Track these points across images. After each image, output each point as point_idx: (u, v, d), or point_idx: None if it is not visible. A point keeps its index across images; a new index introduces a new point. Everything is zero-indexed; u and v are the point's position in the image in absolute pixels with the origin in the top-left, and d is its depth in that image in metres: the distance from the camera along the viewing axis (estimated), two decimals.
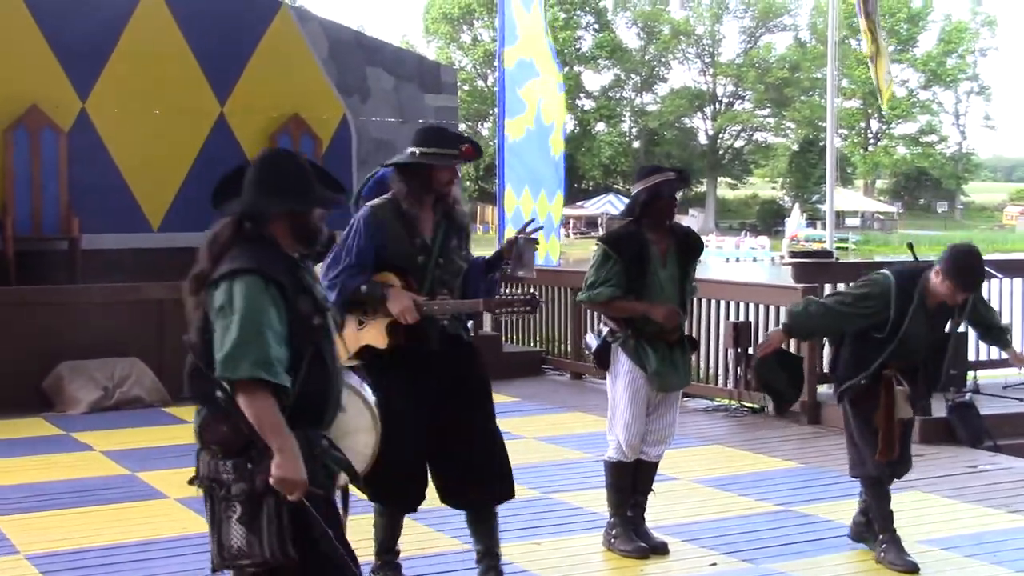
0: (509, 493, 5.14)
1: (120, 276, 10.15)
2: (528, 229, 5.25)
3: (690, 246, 5.94)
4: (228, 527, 3.59)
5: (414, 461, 5.00)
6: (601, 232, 65.94)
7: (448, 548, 5.72)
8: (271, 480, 3.50)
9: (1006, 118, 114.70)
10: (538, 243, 5.29)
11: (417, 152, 5.00)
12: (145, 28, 11.26)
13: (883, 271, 5.68)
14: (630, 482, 5.91)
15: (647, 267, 5.71)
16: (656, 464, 6.01)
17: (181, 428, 8.85)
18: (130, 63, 11.17)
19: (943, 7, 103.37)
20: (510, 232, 5.58)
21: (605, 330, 5.92)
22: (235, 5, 12.09)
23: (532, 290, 4.82)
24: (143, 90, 11.17)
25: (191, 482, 3.70)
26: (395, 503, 5.07)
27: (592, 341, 6.01)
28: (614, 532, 5.89)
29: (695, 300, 10.60)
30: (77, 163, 10.82)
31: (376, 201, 5.12)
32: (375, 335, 4.97)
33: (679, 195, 5.99)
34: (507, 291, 4.72)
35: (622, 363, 5.81)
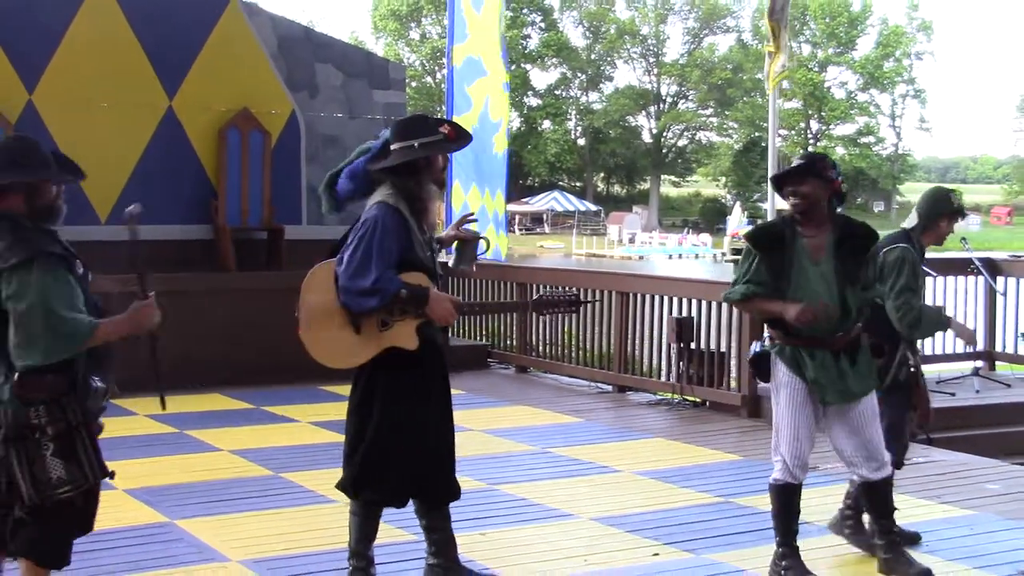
0: (459, 491, 5.14)
1: None
2: (467, 225, 5.28)
3: (851, 238, 5.26)
4: (43, 463, 4.10)
5: (444, 450, 5.01)
6: (546, 228, 66.12)
7: (397, 539, 5.71)
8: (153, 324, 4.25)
9: (940, 121, 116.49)
10: (481, 237, 5.19)
11: (416, 144, 4.84)
12: (93, 20, 11.14)
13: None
14: (798, 507, 5.31)
15: (793, 262, 5.19)
16: (880, 483, 5.32)
17: (130, 420, 8.80)
18: (78, 55, 11.05)
19: (881, 11, 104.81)
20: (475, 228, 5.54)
21: (766, 337, 5.43)
22: None
23: (574, 290, 4.70)
24: (91, 83, 11.06)
25: None
26: (391, 500, 4.99)
27: (756, 348, 5.51)
28: (784, 564, 5.25)
29: (639, 296, 10.71)
30: None
31: (390, 200, 4.87)
32: (406, 336, 4.81)
33: (800, 188, 5.21)
34: (548, 289, 4.60)
35: (781, 374, 5.27)
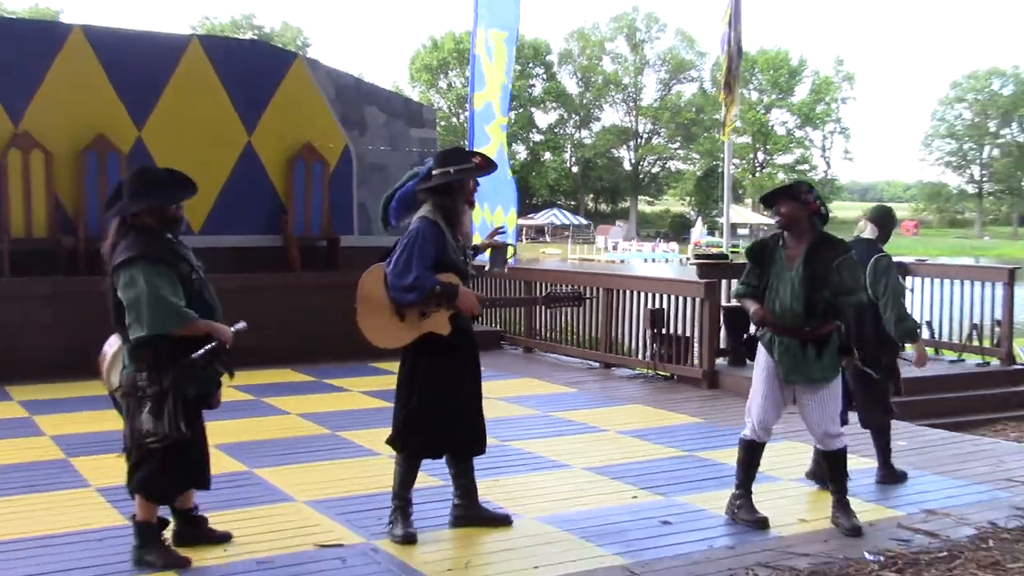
0: (483, 448, 5.16)
1: None
2: (498, 237, 5.30)
3: (819, 250, 5.06)
4: (140, 417, 4.27)
5: (451, 423, 4.97)
6: (547, 238, 65.95)
7: (430, 485, 5.72)
8: (221, 339, 4.36)
9: (861, 151, 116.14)
10: (509, 245, 5.21)
11: (452, 170, 4.84)
12: (189, 73, 11.18)
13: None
14: (757, 461, 5.31)
15: (772, 269, 5.14)
16: (833, 453, 5.19)
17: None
18: (177, 100, 11.08)
19: (814, 64, 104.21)
20: (476, 238, 5.53)
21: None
22: (260, 55, 12.06)
23: (578, 288, 4.80)
24: (187, 121, 11.08)
25: (112, 393, 4.42)
26: (428, 453, 4.99)
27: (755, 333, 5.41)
28: (738, 503, 5.27)
29: (622, 292, 10.71)
30: None
31: (430, 215, 4.86)
32: (440, 324, 4.81)
33: (786, 209, 5.11)
34: (555, 288, 4.65)
35: (760, 353, 5.26)
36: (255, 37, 66.58)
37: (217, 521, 4.97)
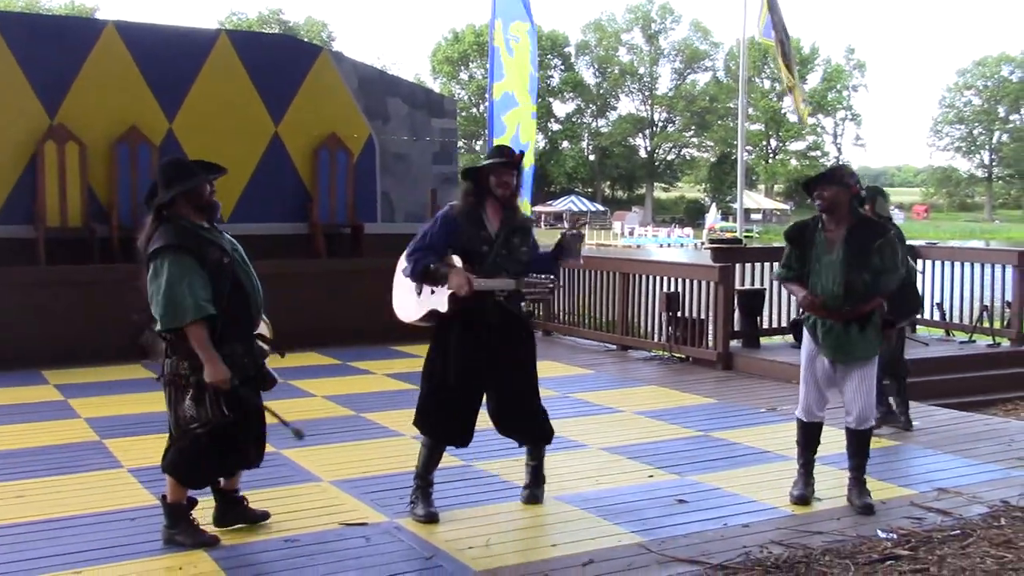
0: (547, 436, 5.19)
1: None
2: (576, 228, 5.20)
3: (861, 233, 4.95)
4: (183, 404, 4.25)
5: (464, 406, 4.89)
6: (565, 224, 65.91)
7: (448, 464, 5.68)
8: (206, 380, 4.19)
9: (872, 138, 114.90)
10: (583, 237, 5.11)
11: (480, 163, 4.97)
12: (217, 67, 11.14)
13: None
14: (810, 439, 5.23)
15: (812, 252, 5.03)
16: (856, 432, 5.11)
17: None
18: (206, 93, 11.06)
19: (825, 53, 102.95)
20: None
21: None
22: (287, 50, 11.97)
23: (549, 277, 4.77)
24: (216, 114, 11.05)
25: (158, 379, 4.37)
26: (443, 437, 4.95)
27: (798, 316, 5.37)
28: (795, 480, 5.27)
29: (638, 276, 10.62)
30: None
31: (454, 203, 4.99)
32: (440, 301, 4.81)
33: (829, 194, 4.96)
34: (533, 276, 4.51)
35: (805, 336, 5.19)
36: (281, 31, 66.61)
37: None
